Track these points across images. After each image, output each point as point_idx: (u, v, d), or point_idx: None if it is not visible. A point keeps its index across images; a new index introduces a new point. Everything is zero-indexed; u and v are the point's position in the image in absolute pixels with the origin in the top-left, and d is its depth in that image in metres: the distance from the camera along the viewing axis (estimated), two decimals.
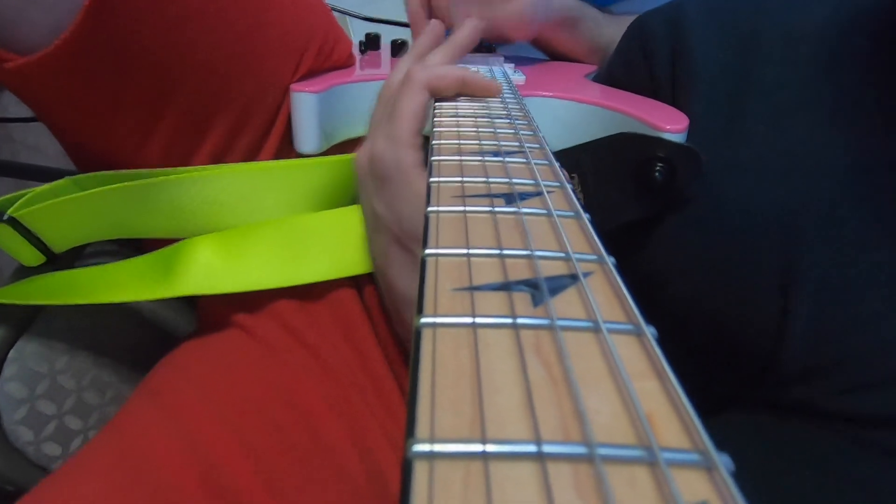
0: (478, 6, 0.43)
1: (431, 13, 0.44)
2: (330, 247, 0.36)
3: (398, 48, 0.46)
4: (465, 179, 0.19)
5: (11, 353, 0.36)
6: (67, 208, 0.34)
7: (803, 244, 0.26)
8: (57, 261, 0.37)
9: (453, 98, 0.30)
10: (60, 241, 0.36)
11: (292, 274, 0.35)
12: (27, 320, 0.37)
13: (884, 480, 0.23)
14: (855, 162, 0.27)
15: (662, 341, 0.11)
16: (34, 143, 0.92)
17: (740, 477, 0.08)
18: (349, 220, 0.36)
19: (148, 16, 0.30)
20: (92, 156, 0.36)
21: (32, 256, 0.36)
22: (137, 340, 0.43)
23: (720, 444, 0.09)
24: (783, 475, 0.24)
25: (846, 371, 0.25)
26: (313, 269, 0.35)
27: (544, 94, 0.38)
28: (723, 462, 0.09)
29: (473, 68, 0.40)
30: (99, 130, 0.34)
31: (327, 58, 0.40)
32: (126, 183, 0.34)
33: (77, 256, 0.40)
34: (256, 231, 0.36)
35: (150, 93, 0.33)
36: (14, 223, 0.33)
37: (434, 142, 0.23)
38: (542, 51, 0.51)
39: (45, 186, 0.35)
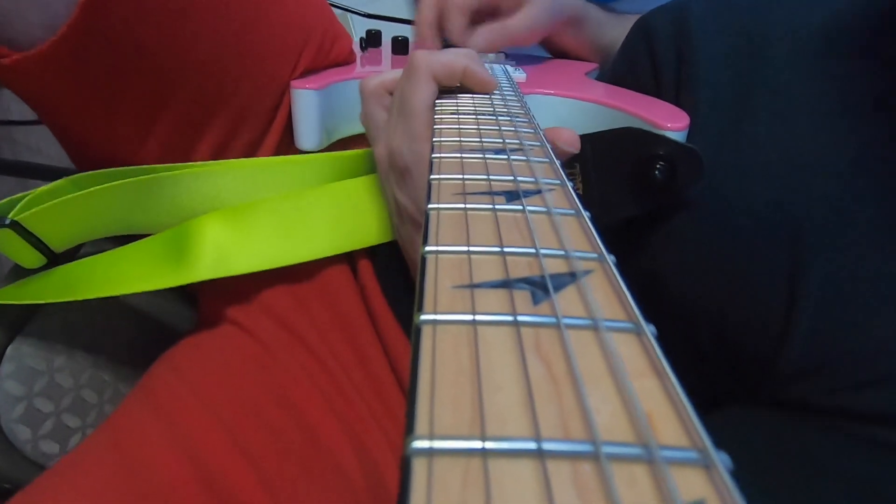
0: (490, 29, 0.43)
1: (441, 31, 0.44)
2: (337, 219, 0.36)
3: (399, 45, 0.46)
4: (465, 176, 0.19)
5: (9, 351, 0.36)
6: (68, 208, 0.34)
7: (809, 244, 0.26)
8: (57, 260, 0.37)
9: (454, 95, 0.30)
10: (61, 241, 0.36)
11: (303, 248, 0.35)
12: (25, 317, 0.37)
13: (881, 476, 0.23)
14: (861, 162, 0.27)
15: (664, 340, 0.11)
16: (35, 146, 0.92)
17: (738, 474, 0.08)
18: (355, 192, 0.36)
19: (144, 12, 0.30)
20: (91, 153, 0.36)
21: (33, 258, 0.36)
22: (136, 338, 0.43)
23: (718, 442, 0.09)
24: (781, 471, 0.24)
25: (846, 369, 0.25)
26: (323, 242, 0.36)
27: (545, 91, 0.38)
28: (721, 460, 0.09)
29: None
30: (97, 127, 0.34)
31: (327, 55, 0.40)
32: (126, 179, 0.34)
33: (75, 254, 0.40)
34: (263, 206, 0.36)
35: (148, 90, 0.33)
36: (16, 227, 0.33)
37: (434, 139, 0.23)
38: (546, 48, 0.51)
39: (44, 188, 0.35)
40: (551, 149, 0.21)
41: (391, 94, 0.32)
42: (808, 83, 0.30)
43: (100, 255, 0.36)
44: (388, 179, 0.31)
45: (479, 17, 0.44)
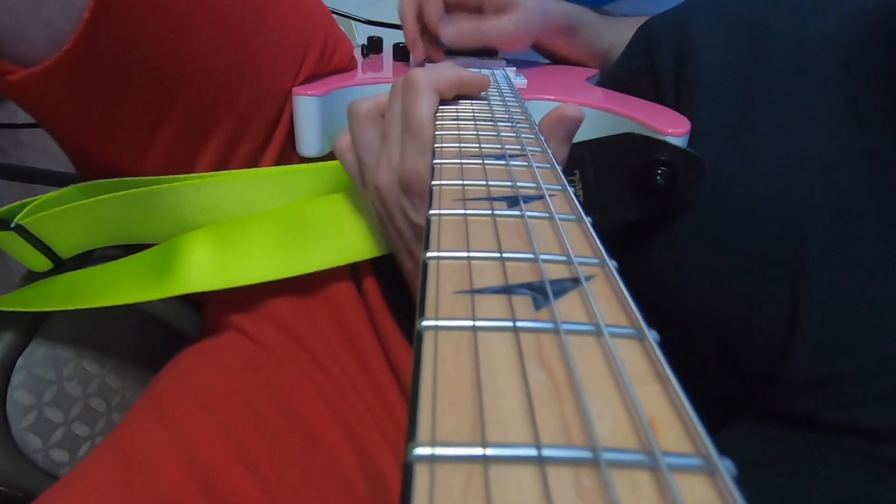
0: (467, 21, 0.43)
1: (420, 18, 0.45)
2: (329, 233, 0.36)
3: (400, 52, 0.46)
4: (466, 182, 0.19)
5: (19, 361, 0.36)
6: (72, 215, 0.35)
7: (812, 254, 0.26)
8: (64, 266, 0.37)
9: (454, 101, 0.30)
10: (67, 248, 0.37)
11: (291, 264, 0.35)
12: (34, 328, 0.38)
13: (888, 495, 0.23)
14: (864, 171, 0.27)
15: (666, 348, 0.11)
16: (42, 147, 0.93)
17: (742, 487, 0.08)
18: (346, 206, 0.35)
19: (147, 27, 0.31)
20: (94, 164, 0.36)
21: (40, 262, 0.36)
22: (143, 347, 0.43)
23: (722, 453, 0.09)
24: (786, 487, 0.24)
25: (852, 383, 0.24)
26: (313, 257, 0.35)
27: (546, 97, 0.38)
28: (725, 467, 0.08)
29: (474, 71, 0.40)
30: (100, 140, 0.34)
31: (328, 62, 0.40)
32: (129, 191, 0.34)
33: (84, 262, 0.40)
34: (252, 222, 0.36)
35: (150, 102, 0.33)
36: (21, 230, 0.34)
37: (436, 145, 0.23)
38: (543, 55, 0.51)
39: (51, 194, 0.36)
40: (552, 154, 0.21)
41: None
42: (811, 92, 0.29)
43: (95, 267, 0.36)
44: (398, 207, 0.28)
45: (460, 11, 0.43)
